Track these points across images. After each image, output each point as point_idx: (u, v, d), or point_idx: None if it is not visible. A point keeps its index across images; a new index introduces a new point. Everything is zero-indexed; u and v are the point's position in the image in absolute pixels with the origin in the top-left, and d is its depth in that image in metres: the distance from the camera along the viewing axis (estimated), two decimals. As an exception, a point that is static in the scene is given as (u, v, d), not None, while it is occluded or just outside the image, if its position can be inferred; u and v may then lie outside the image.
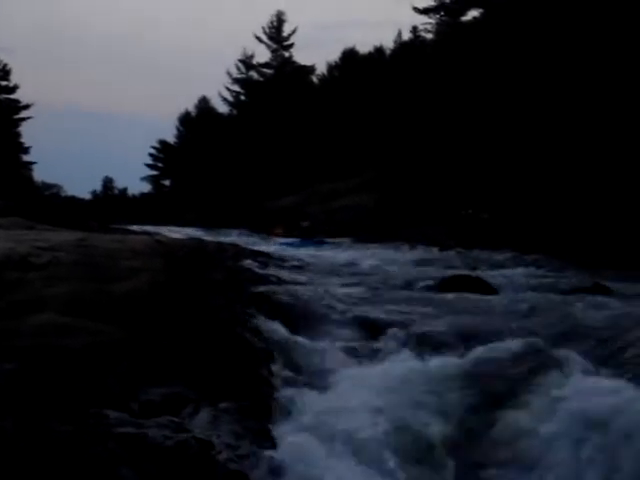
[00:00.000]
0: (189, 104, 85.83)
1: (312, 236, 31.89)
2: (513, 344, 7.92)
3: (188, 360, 6.75)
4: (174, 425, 5.50)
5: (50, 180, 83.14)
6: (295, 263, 19.11)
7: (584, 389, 6.51)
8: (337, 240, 32.06)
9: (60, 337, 6.43)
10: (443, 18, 51.29)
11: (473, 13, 47.12)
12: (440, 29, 51.22)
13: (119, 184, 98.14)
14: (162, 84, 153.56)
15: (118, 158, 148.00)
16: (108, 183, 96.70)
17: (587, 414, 6.00)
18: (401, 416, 6.54)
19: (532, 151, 31.74)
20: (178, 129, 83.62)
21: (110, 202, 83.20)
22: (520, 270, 18.90)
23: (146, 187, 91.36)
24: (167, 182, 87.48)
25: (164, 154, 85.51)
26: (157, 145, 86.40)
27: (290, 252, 25.44)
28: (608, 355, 7.55)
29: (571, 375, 7.00)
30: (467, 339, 8.50)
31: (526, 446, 6.16)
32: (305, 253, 25.99)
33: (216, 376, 6.60)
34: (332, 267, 19.04)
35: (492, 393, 7.04)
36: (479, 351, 7.91)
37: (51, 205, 44.77)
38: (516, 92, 33.62)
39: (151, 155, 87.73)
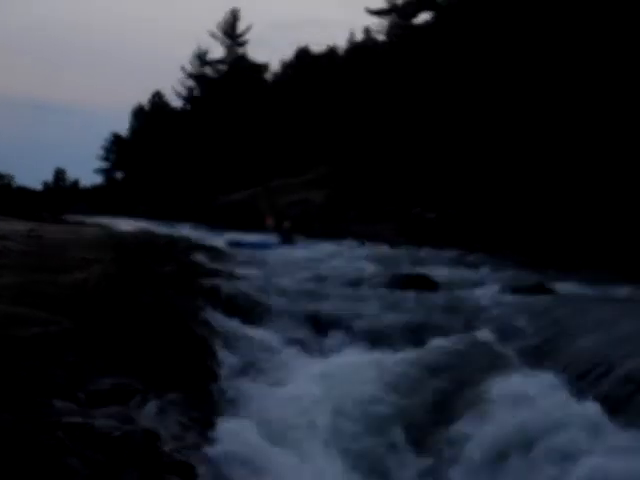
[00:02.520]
0: (143, 98, 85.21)
1: (290, 238, 29.63)
2: (456, 340, 8.07)
3: (137, 351, 6.74)
4: (121, 415, 5.48)
5: (1, 170, 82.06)
6: (246, 258, 19.10)
7: (519, 388, 6.69)
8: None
9: (9, 327, 6.38)
10: (395, 20, 51.47)
11: (425, 16, 47.51)
12: (392, 31, 51.44)
13: (71, 176, 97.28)
14: (116, 77, 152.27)
15: (70, 150, 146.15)
16: (60, 174, 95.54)
17: (522, 414, 6.18)
18: (346, 408, 6.64)
19: (477, 153, 32.08)
20: (131, 122, 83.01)
21: (62, 193, 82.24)
22: (465, 268, 19.12)
23: (98, 179, 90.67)
24: (119, 175, 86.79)
25: (117, 147, 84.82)
26: (110, 138, 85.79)
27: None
28: (544, 353, 7.71)
29: (508, 372, 7.16)
30: (411, 334, 8.65)
31: (464, 439, 6.30)
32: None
33: (164, 367, 6.60)
34: (282, 262, 19.07)
35: (433, 386, 7.17)
36: (422, 346, 8.06)
37: (2, 195, 44.09)
38: (464, 94, 33.94)
39: (104, 148, 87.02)
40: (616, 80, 24.37)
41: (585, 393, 6.44)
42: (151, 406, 5.84)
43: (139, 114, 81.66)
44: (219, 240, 27.60)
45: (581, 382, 6.67)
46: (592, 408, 6.12)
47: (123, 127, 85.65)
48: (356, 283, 13.37)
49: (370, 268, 17.72)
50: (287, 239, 29.01)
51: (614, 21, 24.27)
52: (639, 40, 22.99)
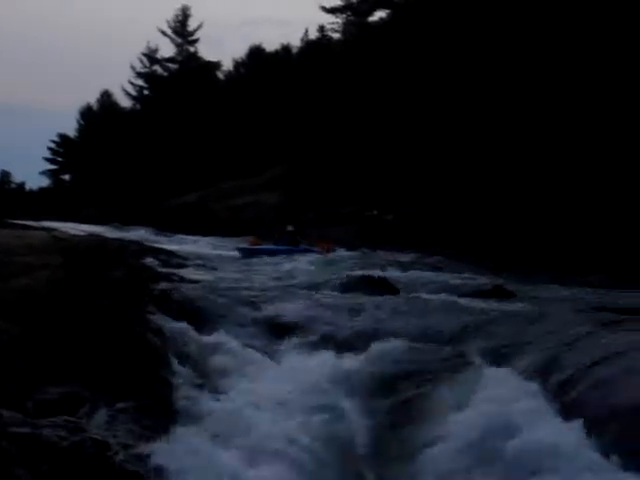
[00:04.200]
0: (91, 97, 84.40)
1: (295, 242, 26.66)
2: (413, 343, 8.03)
3: (86, 359, 6.61)
4: (70, 425, 5.39)
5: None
6: (199, 261, 18.96)
7: (478, 391, 6.67)
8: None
9: (-49, 335, 6.22)
10: (350, 18, 51.71)
11: (380, 14, 47.78)
12: (347, 29, 51.67)
13: (17, 178, 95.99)
14: (64, 76, 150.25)
15: (15, 152, 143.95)
16: (5, 177, 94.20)
17: (480, 417, 6.15)
18: (301, 415, 6.55)
19: (434, 153, 32.30)
20: (79, 123, 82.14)
21: (7, 196, 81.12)
22: (423, 271, 19.18)
23: (45, 182, 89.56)
24: (67, 177, 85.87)
25: (64, 148, 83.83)
26: (57, 139, 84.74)
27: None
28: (502, 355, 7.71)
29: (467, 375, 7.15)
30: (369, 338, 8.58)
31: (421, 442, 6.26)
32: (210, 251, 25.85)
33: (114, 375, 6.48)
34: (236, 266, 18.96)
35: (390, 390, 7.14)
36: (380, 349, 8.01)
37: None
38: (420, 92, 34.16)
39: (50, 149, 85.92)
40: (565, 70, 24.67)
41: (542, 395, 6.44)
42: (101, 415, 5.75)
43: (87, 114, 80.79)
44: (172, 244, 27.41)
45: (540, 384, 6.67)
46: (544, 408, 6.17)
47: (70, 128, 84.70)
48: (312, 287, 13.30)
49: (327, 271, 17.69)
50: (292, 243, 26.60)
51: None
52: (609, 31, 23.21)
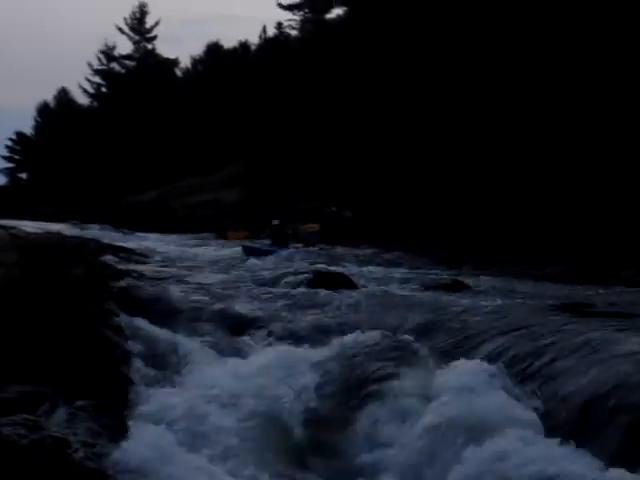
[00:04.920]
0: (48, 95, 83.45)
1: (283, 240, 25.05)
2: (370, 337, 8.08)
3: (46, 357, 6.57)
4: (30, 423, 5.36)
5: None
6: (158, 258, 18.86)
7: (432, 384, 6.74)
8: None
9: None
10: (307, 15, 51.75)
11: (337, 11, 47.90)
12: (304, 26, 51.70)
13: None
14: (20, 73, 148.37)
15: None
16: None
17: (433, 410, 6.23)
18: (260, 410, 6.59)
19: (392, 148, 32.43)
20: (36, 120, 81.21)
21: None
22: (381, 266, 19.26)
23: (2, 180, 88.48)
24: (24, 175, 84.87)
25: (21, 146, 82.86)
26: (13, 137, 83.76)
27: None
28: (458, 349, 7.80)
29: (423, 369, 7.22)
30: (326, 333, 8.64)
31: (376, 436, 6.33)
32: (170, 248, 25.70)
33: (74, 373, 6.45)
34: (196, 262, 18.89)
35: (346, 384, 7.18)
36: (336, 344, 8.06)
37: None
38: (377, 89, 34.28)
39: (7, 147, 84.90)
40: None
41: (495, 388, 6.51)
42: (61, 413, 5.72)
43: (44, 112, 79.88)
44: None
45: (493, 377, 6.73)
46: (502, 403, 6.21)
47: (28, 125, 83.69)
48: (271, 282, 13.29)
49: (286, 267, 17.68)
50: (279, 241, 25.07)
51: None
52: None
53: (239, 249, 24.49)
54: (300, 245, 25.05)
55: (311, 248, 24.49)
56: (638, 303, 11.12)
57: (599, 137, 22.91)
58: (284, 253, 22.31)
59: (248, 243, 26.36)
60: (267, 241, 26.02)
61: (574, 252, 19.76)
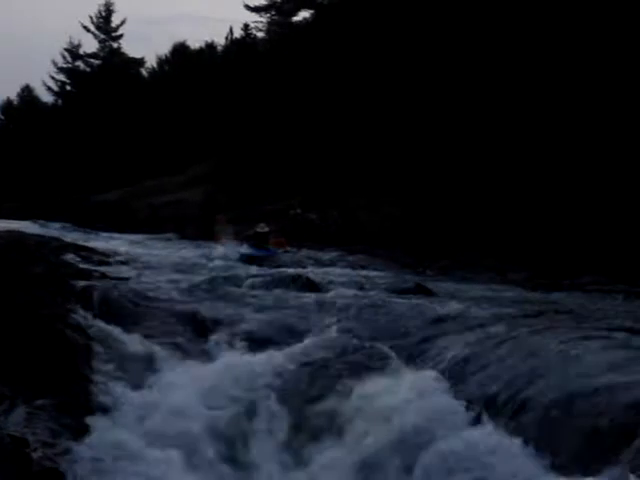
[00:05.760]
0: (11, 92, 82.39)
1: (265, 244, 22.23)
2: (333, 340, 8.11)
3: (5, 356, 6.51)
4: (-13, 422, 5.31)
5: None
6: (120, 258, 18.72)
7: (393, 387, 6.78)
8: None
9: None
10: (274, 17, 51.70)
11: (304, 14, 47.95)
12: (271, 28, 51.65)
13: None
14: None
15: None
16: None
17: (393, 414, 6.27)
18: (221, 412, 6.59)
19: (354, 153, 32.52)
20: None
21: None
22: (345, 269, 19.27)
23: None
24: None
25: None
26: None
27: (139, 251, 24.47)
28: (419, 353, 7.85)
29: (384, 372, 7.26)
30: (289, 335, 8.65)
31: (335, 441, 6.35)
32: (132, 248, 25.50)
33: (34, 372, 6.41)
34: (159, 263, 18.77)
35: (310, 386, 7.20)
36: (299, 346, 8.08)
37: None
38: (342, 91, 34.38)
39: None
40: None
41: (456, 392, 6.59)
42: (19, 412, 5.68)
43: (8, 109, 78.98)
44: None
45: (453, 381, 6.82)
46: (462, 407, 6.32)
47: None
48: (235, 284, 13.26)
49: (249, 269, 17.66)
50: (260, 246, 22.13)
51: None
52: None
53: (201, 249, 24.33)
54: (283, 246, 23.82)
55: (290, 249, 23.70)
56: (593, 308, 11.26)
57: (568, 149, 23.14)
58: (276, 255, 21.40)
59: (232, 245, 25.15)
60: (245, 244, 23.28)
61: (536, 258, 19.94)
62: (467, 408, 6.27)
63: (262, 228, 22.38)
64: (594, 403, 5.56)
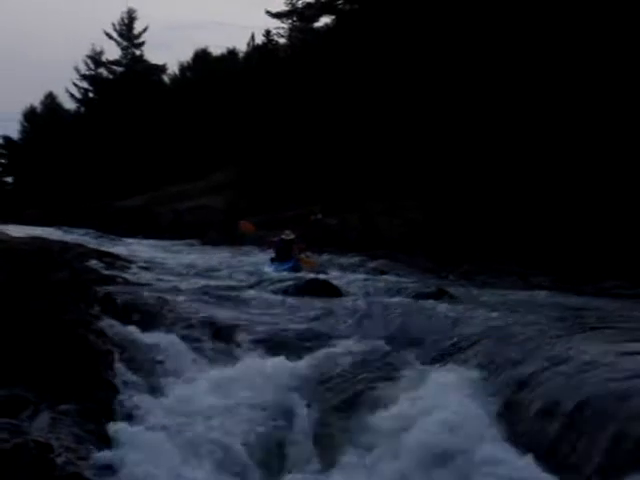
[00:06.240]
0: (35, 100, 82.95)
1: (289, 255, 20.66)
2: (357, 346, 8.09)
3: (29, 362, 6.55)
4: (12, 427, 5.35)
5: None
6: (143, 264, 18.81)
7: (419, 392, 6.77)
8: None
9: None
10: (295, 23, 51.85)
11: (325, 20, 48.07)
12: (293, 34, 51.80)
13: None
14: (7, 78, 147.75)
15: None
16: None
17: (420, 417, 6.25)
18: (245, 417, 6.58)
19: (375, 158, 32.53)
20: (22, 125, 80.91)
21: (-52, 198, 79.62)
22: (366, 274, 19.26)
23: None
24: (10, 179, 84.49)
25: (7, 150, 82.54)
26: (0, 141, 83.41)
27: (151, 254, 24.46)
28: (443, 357, 7.83)
29: (409, 376, 7.24)
30: (312, 341, 8.63)
31: (363, 450, 6.33)
32: (156, 254, 25.61)
33: (57, 378, 6.44)
34: (182, 269, 18.86)
35: (333, 392, 7.18)
36: (322, 352, 8.07)
37: None
38: (365, 97, 34.38)
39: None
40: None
41: (482, 396, 6.56)
42: (43, 418, 5.70)
43: (31, 116, 79.54)
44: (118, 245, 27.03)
45: (478, 387, 6.78)
46: (488, 410, 6.25)
47: (14, 130, 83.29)
48: (256, 289, 13.29)
49: (271, 274, 17.68)
50: (285, 256, 20.78)
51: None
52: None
53: (224, 255, 24.38)
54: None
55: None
56: (618, 314, 11.16)
57: (583, 150, 23.02)
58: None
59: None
60: (271, 251, 22.53)
61: (558, 263, 19.83)
62: (492, 415, 6.25)
63: (287, 235, 21.60)
64: (621, 409, 5.50)
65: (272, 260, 20.81)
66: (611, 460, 5.17)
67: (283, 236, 21.61)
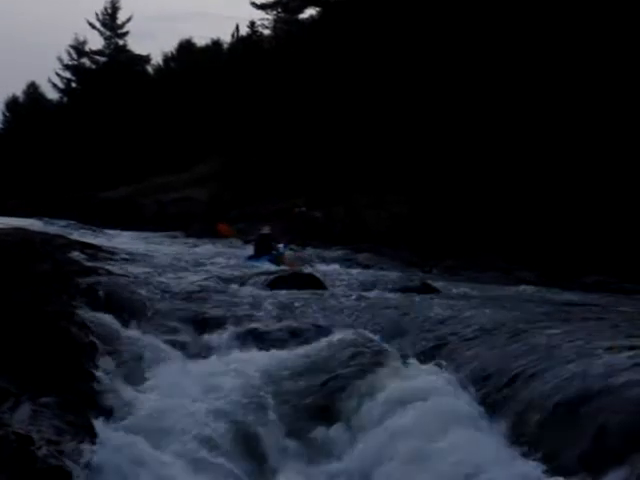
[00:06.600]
0: (17, 89, 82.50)
1: (268, 249, 20.75)
2: (338, 339, 8.07)
3: (10, 353, 6.49)
4: (-8, 419, 5.29)
5: None
6: (126, 256, 18.70)
7: (403, 386, 6.76)
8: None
9: None
10: (280, 15, 51.82)
11: (310, 11, 48.09)
12: (277, 25, 51.80)
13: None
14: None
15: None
16: None
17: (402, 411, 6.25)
18: (227, 412, 6.54)
19: (358, 151, 32.55)
20: (4, 115, 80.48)
21: None
22: (350, 268, 19.27)
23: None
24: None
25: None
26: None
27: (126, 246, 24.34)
28: (427, 351, 7.82)
29: (392, 370, 7.22)
30: (297, 334, 8.61)
31: (347, 442, 6.31)
32: (139, 246, 25.49)
33: (39, 370, 6.38)
34: (165, 261, 18.77)
35: (317, 386, 7.15)
36: (306, 345, 8.05)
37: None
38: (348, 89, 34.38)
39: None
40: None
41: (465, 391, 6.56)
42: (24, 410, 5.65)
43: (13, 106, 79.06)
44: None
45: (462, 380, 6.78)
46: (469, 407, 6.27)
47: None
48: (240, 283, 13.24)
49: (255, 268, 17.64)
50: (263, 251, 20.90)
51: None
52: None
53: (207, 247, 24.33)
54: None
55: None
56: (604, 308, 11.21)
57: (567, 145, 23.10)
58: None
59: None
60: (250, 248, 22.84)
61: (542, 258, 19.91)
62: (474, 408, 6.25)
63: (265, 230, 21.87)
64: (605, 403, 5.49)
65: (249, 257, 20.92)
66: (596, 454, 5.15)
67: (262, 231, 21.79)
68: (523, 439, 5.63)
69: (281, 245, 21.59)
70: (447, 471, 5.40)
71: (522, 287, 15.57)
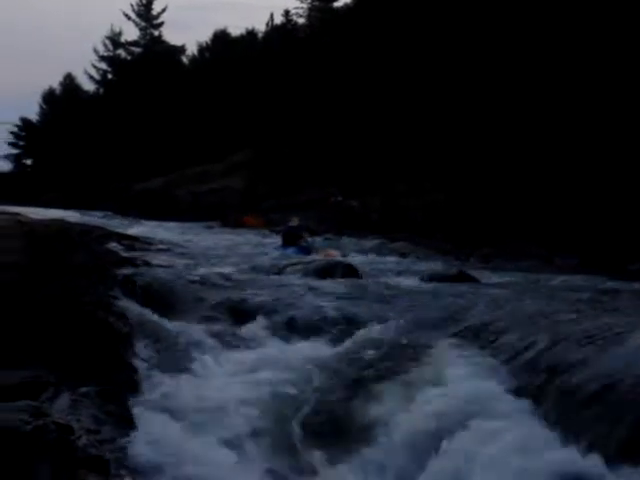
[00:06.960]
0: (54, 81, 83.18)
1: (296, 240, 20.86)
2: (378, 328, 8.01)
3: (49, 344, 6.52)
4: (33, 409, 5.29)
5: None
6: (162, 246, 18.80)
7: (442, 375, 6.70)
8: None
9: None
10: (315, 3, 51.78)
11: (345, 0, 48.06)
12: (312, 14, 51.78)
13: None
14: (26, 60, 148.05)
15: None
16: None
17: (443, 401, 6.18)
18: (265, 401, 6.53)
19: (397, 140, 32.41)
20: (41, 107, 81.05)
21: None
22: (387, 257, 19.21)
23: (7, 166, 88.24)
24: (29, 161, 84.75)
25: (26, 132, 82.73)
26: (19, 123, 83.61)
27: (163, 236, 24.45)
28: (465, 341, 7.73)
29: (430, 360, 7.15)
30: (334, 324, 8.57)
31: (384, 435, 6.25)
32: (174, 236, 25.62)
33: (78, 360, 6.41)
34: (201, 251, 18.84)
35: (355, 376, 7.09)
36: (344, 335, 8.01)
37: None
38: (385, 78, 34.24)
39: (12, 133, 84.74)
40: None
41: (506, 380, 6.48)
42: (64, 400, 5.67)
43: (50, 98, 79.69)
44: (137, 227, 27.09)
45: (502, 369, 6.71)
46: (511, 395, 6.19)
47: (33, 111, 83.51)
48: (276, 272, 13.23)
49: (290, 256, 17.64)
50: (290, 242, 21.02)
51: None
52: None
53: (240, 238, 24.39)
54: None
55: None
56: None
57: (609, 131, 22.83)
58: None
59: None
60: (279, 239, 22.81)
61: (584, 244, 19.66)
62: (517, 397, 6.17)
63: (294, 222, 21.93)
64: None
65: (280, 247, 20.92)
66: (637, 441, 5.07)
67: (290, 223, 21.91)
68: (564, 425, 5.55)
69: (310, 238, 21.63)
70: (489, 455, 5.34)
71: (562, 274, 15.39)
